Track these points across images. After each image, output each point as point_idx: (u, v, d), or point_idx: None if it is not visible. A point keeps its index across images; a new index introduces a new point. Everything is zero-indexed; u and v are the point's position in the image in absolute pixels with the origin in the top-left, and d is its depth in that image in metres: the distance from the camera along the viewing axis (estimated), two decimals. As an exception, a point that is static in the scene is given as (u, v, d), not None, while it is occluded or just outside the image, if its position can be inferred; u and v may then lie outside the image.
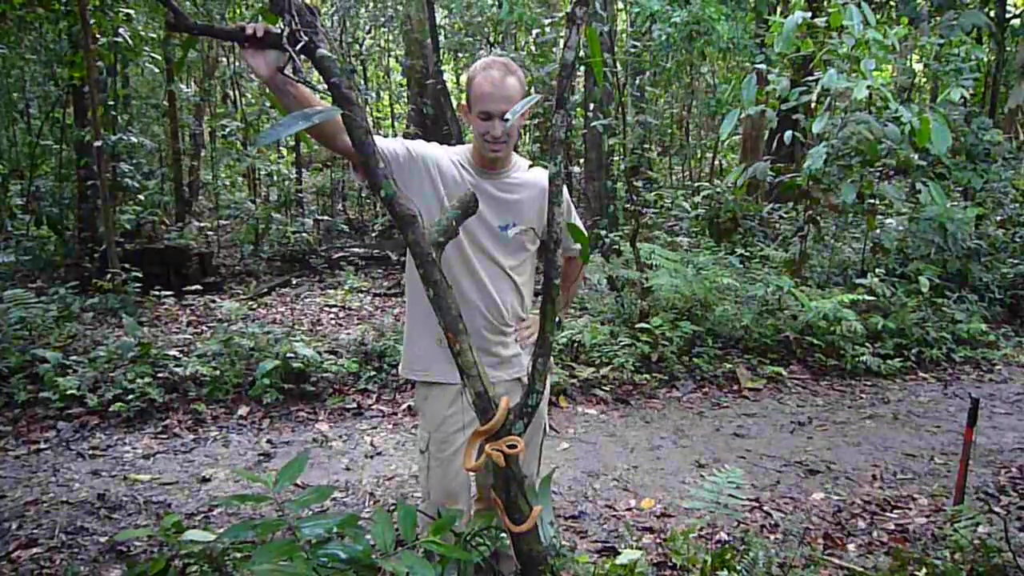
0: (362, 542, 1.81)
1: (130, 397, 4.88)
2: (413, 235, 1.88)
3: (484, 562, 2.06)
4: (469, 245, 2.32)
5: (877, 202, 7.57)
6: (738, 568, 2.77)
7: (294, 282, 9.40)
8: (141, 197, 9.59)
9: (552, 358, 2.52)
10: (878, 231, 7.86)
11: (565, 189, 2.43)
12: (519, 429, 1.90)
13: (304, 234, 10.83)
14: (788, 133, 6.71)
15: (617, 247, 7.46)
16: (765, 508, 3.79)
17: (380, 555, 1.80)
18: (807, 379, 6.04)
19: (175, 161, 11.26)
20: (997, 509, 3.72)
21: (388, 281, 9.33)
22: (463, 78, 14.93)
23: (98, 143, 7.13)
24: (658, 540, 3.42)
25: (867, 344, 6.38)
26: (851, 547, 3.38)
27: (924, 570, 2.68)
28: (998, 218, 9.25)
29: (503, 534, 2.01)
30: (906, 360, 6.34)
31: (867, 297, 6.59)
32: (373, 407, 5.16)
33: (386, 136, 13.39)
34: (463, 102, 2.32)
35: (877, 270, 7.13)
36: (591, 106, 9.16)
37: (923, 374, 6.25)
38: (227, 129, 11.02)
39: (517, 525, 1.88)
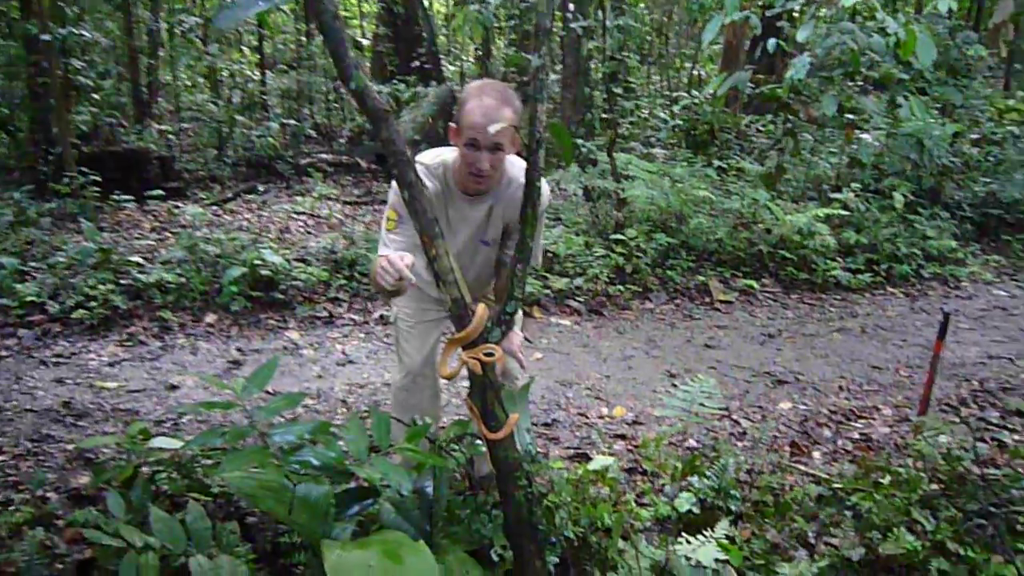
0: (335, 449, 1.77)
1: (92, 304, 4.74)
2: (387, 132, 1.77)
3: (460, 467, 2.05)
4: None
5: (856, 116, 7.48)
6: (707, 474, 2.81)
7: (260, 188, 9.12)
8: (96, 97, 9.12)
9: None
10: (855, 146, 7.80)
11: (547, 195, 2.28)
12: (496, 337, 1.84)
13: (270, 139, 10.43)
14: (771, 41, 6.52)
15: (593, 157, 7.32)
16: (734, 417, 3.85)
17: (354, 462, 1.76)
18: (778, 292, 6.09)
19: (131, 60, 10.69)
20: (958, 419, 3.81)
21: (358, 189, 9.10)
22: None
23: (46, 36, 6.71)
24: (629, 447, 3.46)
25: (838, 259, 6.42)
26: (816, 455, 3.45)
27: (888, 477, 2.74)
28: (973, 136, 9.23)
29: (479, 441, 1.99)
30: (876, 275, 6.41)
31: (842, 212, 6.59)
32: (344, 316, 5.09)
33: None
34: (452, 124, 2.16)
35: (853, 184, 7.10)
36: (570, 5, 8.80)
37: (892, 289, 6.33)
38: (186, 25, 10.45)
39: (493, 432, 1.84)
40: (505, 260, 2.39)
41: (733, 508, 2.58)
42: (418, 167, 2.19)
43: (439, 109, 1.68)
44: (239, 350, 4.51)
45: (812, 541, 2.57)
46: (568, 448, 3.46)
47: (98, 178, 6.99)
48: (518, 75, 10.11)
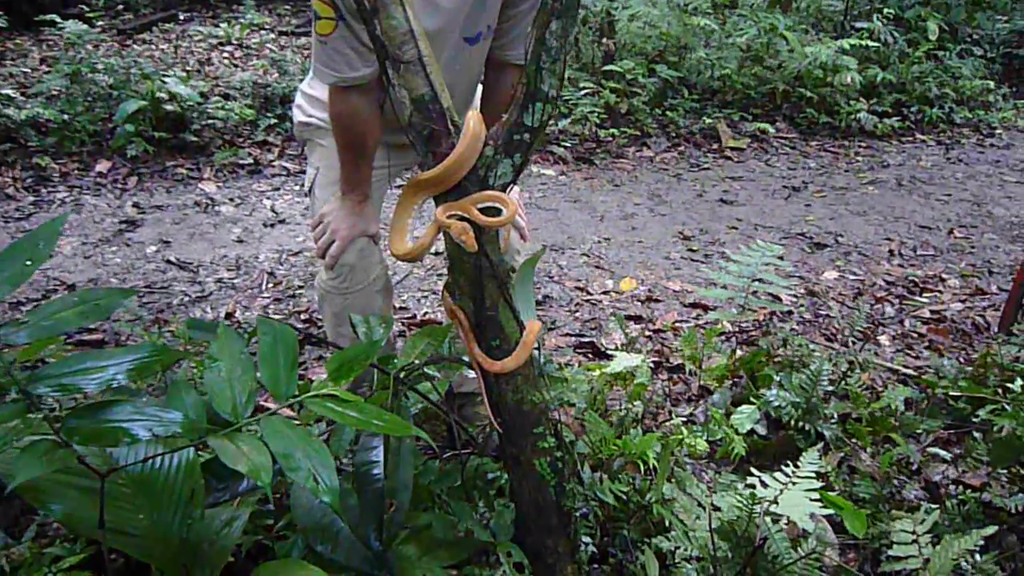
0: (180, 404, 0.89)
1: (-58, 147, 3.67)
2: None
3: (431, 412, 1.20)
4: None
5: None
6: (776, 376, 2.03)
7: (181, 17, 7.73)
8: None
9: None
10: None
11: None
12: (505, 176, 0.93)
13: (192, -41, 8.87)
14: None
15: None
16: (770, 291, 3.06)
17: (224, 426, 0.89)
18: (795, 138, 5.20)
19: None
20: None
21: (297, 19, 7.74)
22: None
23: None
24: (648, 331, 2.66)
25: (862, 100, 5.51)
26: (883, 340, 2.70)
27: (1020, 381, 1.99)
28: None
29: (469, 372, 1.13)
30: (904, 120, 5.53)
31: (870, 43, 5.59)
32: (275, 163, 4.09)
33: None
34: None
35: (885, 11, 6.04)
36: None
37: (921, 136, 5.48)
38: None
39: (496, 358, 0.98)
40: (511, 58, 1.45)
41: (826, 433, 1.81)
42: None
43: None
44: (136, 207, 3.52)
45: (925, 472, 1.84)
46: (568, 335, 2.65)
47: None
48: None
